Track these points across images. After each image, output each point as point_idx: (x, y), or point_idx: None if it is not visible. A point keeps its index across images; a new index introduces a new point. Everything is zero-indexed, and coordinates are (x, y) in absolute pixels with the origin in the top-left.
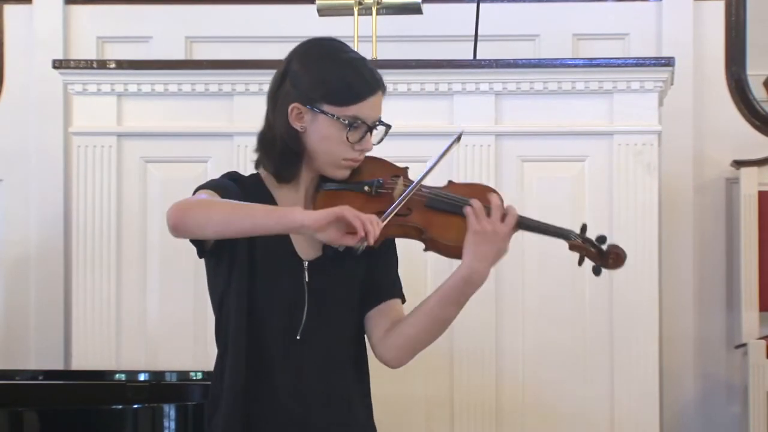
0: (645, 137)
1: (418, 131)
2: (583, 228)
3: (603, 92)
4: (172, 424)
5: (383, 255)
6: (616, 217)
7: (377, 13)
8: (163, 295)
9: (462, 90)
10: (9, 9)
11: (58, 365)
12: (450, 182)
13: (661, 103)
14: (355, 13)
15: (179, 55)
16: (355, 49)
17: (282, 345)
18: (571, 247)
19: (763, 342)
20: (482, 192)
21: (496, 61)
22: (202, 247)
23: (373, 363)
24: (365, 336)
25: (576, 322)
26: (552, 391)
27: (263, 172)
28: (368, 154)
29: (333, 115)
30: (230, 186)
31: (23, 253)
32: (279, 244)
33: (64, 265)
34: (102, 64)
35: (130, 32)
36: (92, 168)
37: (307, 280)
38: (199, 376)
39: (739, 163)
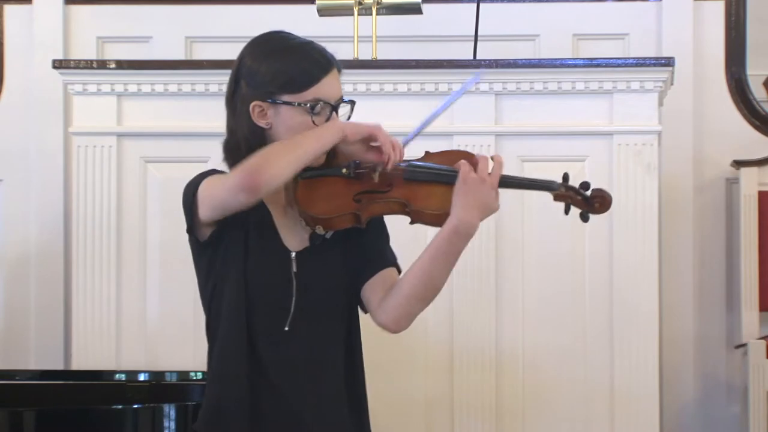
0: (645, 137)
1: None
2: (565, 177)
3: (603, 92)
4: (172, 424)
5: (370, 230)
6: (616, 217)
7: (377, 13)
8: (163, 295)
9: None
10: (9, 9)
11: (58, 365)
12: (427, 153)
13: (661, 103)
14: (355, 13)
15: (179, 55)
16: (353, 48)
17: (271, 336)
18: (556, 197)
19: (763, 342)
20: (462, 156)
21: (496, 61)
22: (196, 241)
23: (373, 364)
24: (358, 333)
25: (576, 322)
26: (552, 391)
27: None
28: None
29: (294, 103)
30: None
31: (23, 253)
32: (267, 235)
33: (64, 265)
34: (102, 64)
35: (130, 32)
36: (92, 168)
37: (294, 270)
38: (199, 376)
39: (739, 163)
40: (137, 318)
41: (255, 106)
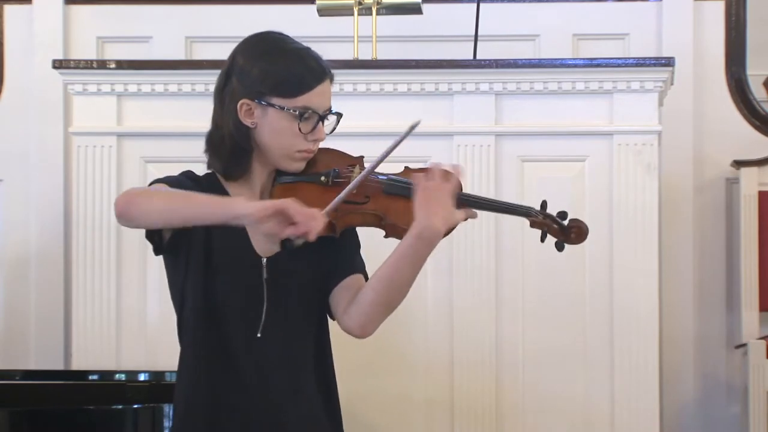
0: (645, 137)
1: (417, 131)
2: (543, 204)
3: (603, 92)
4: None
5: (342, 238)
6: (616, 217)
7: (377, 13)
8: (163, 295)
9: (462, 90)
10: (9, 9)
11: (58, 365)
12: (406, 168)
13: (661, 103)
14: (355, 13)
15: (179, 55)
16: (353, 48)
17: (244, 342)
18: (533, 224)
19: (763, 342)
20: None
21: (496, 61)
22: (158, 244)
23: (373, 364)
24: (327, 331)
25: (576, 322)
26: (552, 392)
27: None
28: (323, 145)
29: (283, 107)
30: (185, 182)
31: (23, 253)
32: (236, 240)
33: (64, 265)
34: (102, 64)
35: (130, 32)
36: (92, 168)
37: (265, 276)
38: None
39: (739, 163)
40: (137, 318)
41: (243, 104)
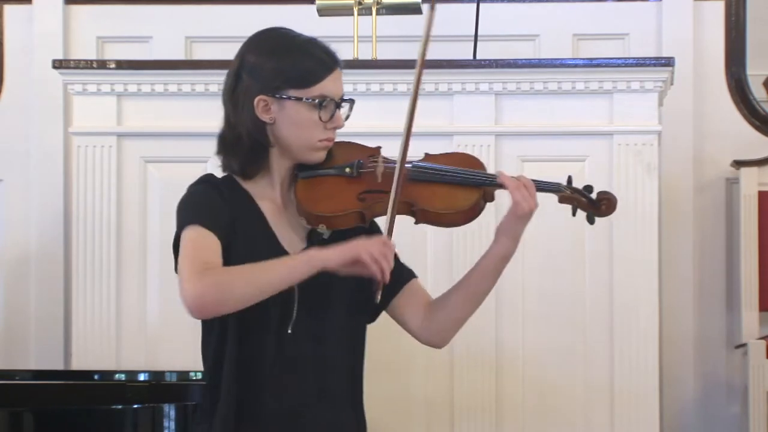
0: (645, 137)
1: (418, 131)
2: (569, 179)
3: (603, 92)
4: (172, 424)
5: None
6: (616, 217)
7: (377, 13)
8: (163, 295)
9: (462, 90)
10: (9, 9)
11: (58, 365)
12: (426, 154)
13: (661, 103)
14: (355, 13)
15: (179, 55)
16: (353, 48)
17: (275, 339)
18: (561, 199)
19: (763, 342)
20: (464, 159)
21: (496, 61)
22: None
23: (373, 364)
24: (363, 337)
25: (576, 322)
26: (552, 391)
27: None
28: (336, 139)
29: (301, 98)
30: (215, 206)
31: (23, 253)
32: (265, 238)
33: (64, 265)
34: (102, 64)
35: (130, 32)
36: (92, 168)
37: None
38: (199, 376)
39: (739, 163)
40: (137, 318)
41: (260, 101)
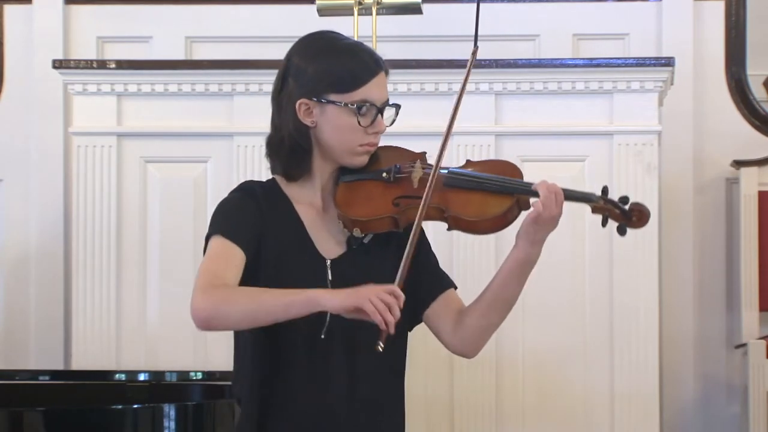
0: (645, 137)
1: (418, 131)
2: (605, 190)
3: (603, 92)
4: (172, 424)
5: (418, 254)
6: None
7: (377, 13)
8: (163, 295)
9: None
10: (9, 9)
11: (58, 365)
12: (468, 161)
13: (661, 103)
14: (355, 13)
15: (179, 55)
16: None
17: (307, 345)
18: (594, 210)
19: (763, 342)
20: (504, 167)
21: (496, 61)
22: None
23: None
24: (403, 343)
25: (576, 323)
26: (552, 391)
27: (278, 177)
28: (385, 143)
29: (341, 103)
30: (244, 218)
31: (23, 253)
32: (300, 243)
33: (64, 265)
34: (102, 64)
35: (130, 32)
36: (92, 168)
37: (330, 278)
38: (199, 376)
39: (739, 163)
40: (137, 318)
41: (301, 104)
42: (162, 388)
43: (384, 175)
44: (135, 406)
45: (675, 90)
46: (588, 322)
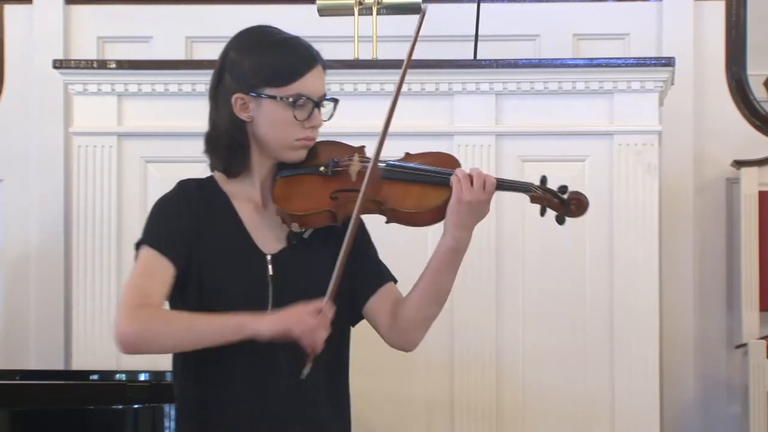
0: (645, 137)
1: (418, 131)
2: (543, 179)
3: (603, 92)
4: (172, 424)
5: (357, 249)
6: (617, 217)
7: (377, 13)
8: None
9: (462, 90)
10: (9, 9)
11: (58, 365)
12: (407, 153)
13: (661, 103)
14: (355, 13)
15: (179, 55)
16: (353, 48)
17: (249, 340)
18: (533, 199)
19: (763, 342)
20: (444, 159)
21: (496, 61)
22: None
23: (373, 364)
24: (345, 338)
25: (576, 322)
26: (552, 392)
27: (217, 174)
28: (326, 138)
29: (276, 97)
30: (176, 225)
31: (23, 253)
32: (239, 240)
33: (64, 265)
34: (102, 64)
35: (130, 32)
36: (92, 168)
37: (270, 273)
38: None
39: (739, 163)
40: None
41: (237, 99)
42: (162, 388)
43: (322, 169)
44: (135, 406)
45: (675, 90)
46: (588, 322)
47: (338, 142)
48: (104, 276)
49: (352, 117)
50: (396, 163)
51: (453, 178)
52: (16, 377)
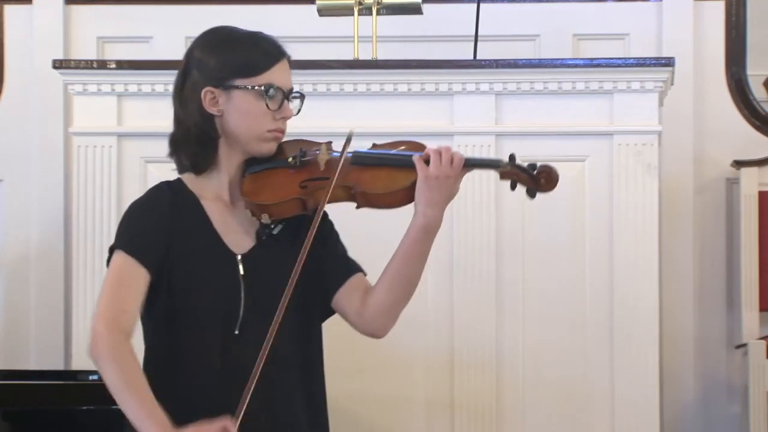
0: (645, 137)
1: (418, 131)
2: (512, 157)
3: (603, 92)
4: None
5: (325, 245)
6: (617, 217)
7: (377, 13)
8: None
9: (462, 90)
10: (9, 9)
11: (58, 365)
12: (374, 144)
13: (661, 103)
14: (355, 13)
15: (179, 55)
16: (353, 48)
17: (221, 341)
18: (503, 175)
19: (763, 342)
20: (414, 147)
21: (496, 61)
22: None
23: (372, 364)
24: (317, 335)
25: (576, 322)
26: (552, 391)
27: (185, 176)
28: (292, 138)
29: (248, 86)
30: (148, 231)
31: (23, 253)
32: (209, 241)
33: (64, 265)
34: (102, 64)
35: (130, 32)
36: (92, 168)
37: (242, 273)
38: None
39: (739, 163)
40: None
41: (207, 92)
42: None
43: (290, 160)
44: None
45: (675, 90)
46: (588, 322)
47: (304, 140)
48: (104, 276)
49: (352, 117)
50: (361, 150)
51: (416, 157)
52: (16, 377)
